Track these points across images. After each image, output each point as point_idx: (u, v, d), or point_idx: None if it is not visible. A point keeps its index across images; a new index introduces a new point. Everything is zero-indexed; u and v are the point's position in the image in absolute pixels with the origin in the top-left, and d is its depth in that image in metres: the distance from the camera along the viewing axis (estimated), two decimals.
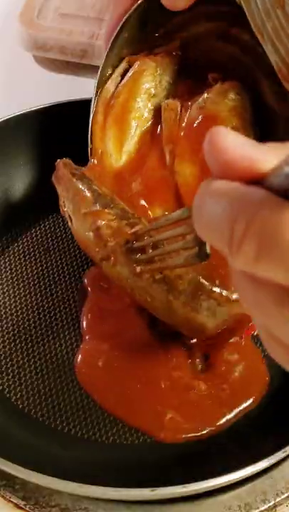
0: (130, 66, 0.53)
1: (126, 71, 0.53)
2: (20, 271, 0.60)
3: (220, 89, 0.49)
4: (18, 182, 0.64)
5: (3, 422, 0.49)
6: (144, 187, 0.52)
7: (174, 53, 0.53)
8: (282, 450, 0.44)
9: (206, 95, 0.50)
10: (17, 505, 0.45)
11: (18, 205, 0.64)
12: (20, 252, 0.62)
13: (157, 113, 0.53)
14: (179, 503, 0.44)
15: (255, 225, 0.23)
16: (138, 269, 0.44)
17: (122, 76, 0.53)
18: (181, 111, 0.51)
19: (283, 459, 0.46)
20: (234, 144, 0.24)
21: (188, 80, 0.54)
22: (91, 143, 0.52)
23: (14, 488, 0.45)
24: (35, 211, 0.64)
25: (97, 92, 0.52)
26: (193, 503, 0.44)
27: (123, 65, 0.53)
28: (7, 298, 0.58)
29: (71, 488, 0.42)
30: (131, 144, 0.53)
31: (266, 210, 0.22)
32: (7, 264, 0.61)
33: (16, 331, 0.55)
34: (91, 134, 0.52)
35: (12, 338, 0.55)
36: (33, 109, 0.64)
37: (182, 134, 0.50)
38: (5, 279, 0.59)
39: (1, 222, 0.63)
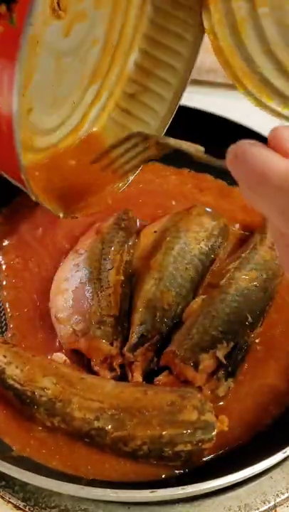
0: None
1: None
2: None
3: None
4: None
5: None
6: None
7: None
8: (283, 451, 0.44)
9: None
10: (16, 506, 0.45)
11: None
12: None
13: None
14: (179, 504, 0.44)
15: None
16: None
17: None
18: None
19: (283, 460, 0.45)
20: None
21: None
22: None
23: (13, 489, 0.45)
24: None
25: None
26: (193, 504, 0.44)
27: None
28: None
29: (72, 490, 0.42)
30: None
31: None
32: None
33: None
34: None
35: None
36: None
37: None
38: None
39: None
